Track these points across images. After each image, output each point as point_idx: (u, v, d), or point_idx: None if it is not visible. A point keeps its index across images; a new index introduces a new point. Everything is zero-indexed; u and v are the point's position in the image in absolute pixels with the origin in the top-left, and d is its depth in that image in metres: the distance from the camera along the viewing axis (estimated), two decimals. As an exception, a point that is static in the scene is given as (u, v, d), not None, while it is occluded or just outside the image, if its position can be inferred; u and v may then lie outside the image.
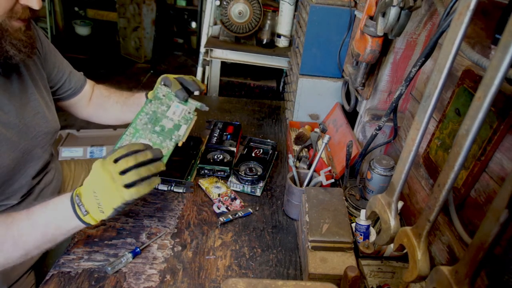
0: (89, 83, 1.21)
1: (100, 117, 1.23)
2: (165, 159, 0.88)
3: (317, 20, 1.20)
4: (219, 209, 1.03)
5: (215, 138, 1.27)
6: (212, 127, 1.34)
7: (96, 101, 1.21)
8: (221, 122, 1.37)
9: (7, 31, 0.76)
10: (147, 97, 1.09)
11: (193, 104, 1.02)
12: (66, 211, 0.74)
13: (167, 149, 0.93)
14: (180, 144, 0.95)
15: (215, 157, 1.18)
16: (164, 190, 1.10)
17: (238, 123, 1.38)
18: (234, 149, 1.22)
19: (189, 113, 1.01)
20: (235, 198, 1.07)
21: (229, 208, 1.04)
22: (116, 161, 0.74)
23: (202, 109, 1.03)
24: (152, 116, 0.96)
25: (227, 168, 1.14)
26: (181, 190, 1.10)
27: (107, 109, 1.21)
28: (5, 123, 0.85)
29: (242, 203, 1.06)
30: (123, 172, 0.73)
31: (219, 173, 1.15)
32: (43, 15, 4.19)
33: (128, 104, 1.18)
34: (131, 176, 0.73)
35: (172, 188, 1.10)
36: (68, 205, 0.74)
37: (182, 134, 0.97)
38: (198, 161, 1.18)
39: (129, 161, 0.73)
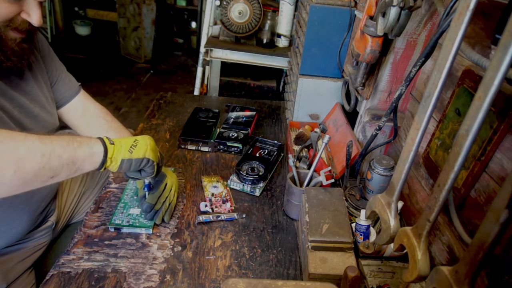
0: (85, 101, 1.13)
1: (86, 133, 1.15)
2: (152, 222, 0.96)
3: (317, 20, 1.20)
4: (205, 207, 1.02)
5: (232, 119, 1.43)
6: (230, 110, 1.50)
7: (92, 124, 1.15)
8: (238, 106, 1.53)
9: (1, 37, 0.77)
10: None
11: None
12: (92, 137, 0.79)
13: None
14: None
15: (230, 135, 1.33)
16: (193, 149, 1.28)
17: (254, 108, 1.53)
18: (248, 128, 1.37)
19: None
20: (226, 201, 1.06)
21: (214, 209, 1.03)
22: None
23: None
24: (135, 190, 1.06)
25: (240, 144, 1.28)
26: (207, 149, 1.28)
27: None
28: None
29: (233, 207, 1.04)
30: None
31: (232, 148, 1.29)
32: (43, 15, 4.18)
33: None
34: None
35: (199, 147, 1.28)
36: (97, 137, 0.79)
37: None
38: (218, 127, 1.39)
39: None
